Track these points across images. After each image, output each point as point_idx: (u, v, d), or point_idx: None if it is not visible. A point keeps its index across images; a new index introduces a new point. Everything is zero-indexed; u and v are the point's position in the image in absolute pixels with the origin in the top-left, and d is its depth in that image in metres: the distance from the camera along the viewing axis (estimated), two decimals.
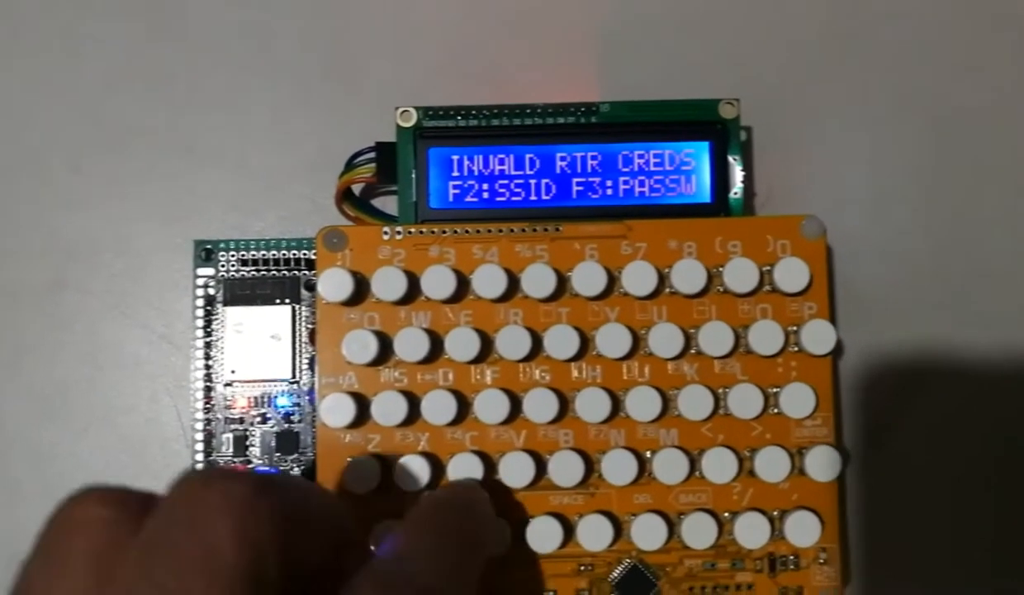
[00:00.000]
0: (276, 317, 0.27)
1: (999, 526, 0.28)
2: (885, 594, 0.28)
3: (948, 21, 0.30)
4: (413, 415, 0.24)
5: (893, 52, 0.30)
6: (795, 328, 0.25)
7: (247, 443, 0.27)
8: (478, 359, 0.25)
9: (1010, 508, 0.28)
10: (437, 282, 0.24)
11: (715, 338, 0.25)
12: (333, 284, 0.24)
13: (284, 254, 0.27)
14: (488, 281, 0.25)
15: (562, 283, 0.25)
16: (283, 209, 0.29)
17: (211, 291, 0.27)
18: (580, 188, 0.26)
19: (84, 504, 0.16)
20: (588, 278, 0.25)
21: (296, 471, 0.27)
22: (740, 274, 0.25)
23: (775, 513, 0.25)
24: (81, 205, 0.29)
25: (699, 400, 0.25)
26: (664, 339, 0.25)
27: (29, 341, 0.29)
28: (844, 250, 0.28)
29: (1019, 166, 0.29)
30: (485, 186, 0.27)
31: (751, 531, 0.24)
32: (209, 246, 0.28)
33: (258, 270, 0.27)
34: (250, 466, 0.27)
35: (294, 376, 0.27)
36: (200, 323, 0.27)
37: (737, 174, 0.27)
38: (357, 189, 0.28)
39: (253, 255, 0.27)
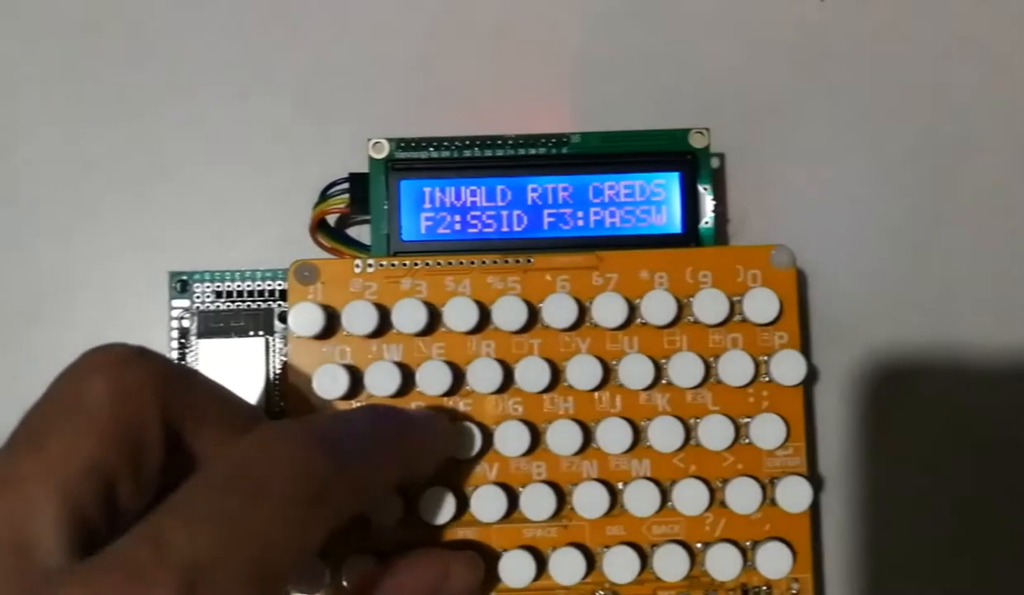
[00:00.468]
0: (249, 350, 0.27)
1: (976, 551, 0.28)
2: None
3: (918, 45, 0.30)
4: None
5: (864, 77, 0.30)
6: (766, 358, 0.25)
7: None
8: (449, 392, 0.25)
9: (989, 533, 0.28)
10: (408, 315, 0.24)
11: (686, 369, 0.25)
12: (303, 319, 0.24)
13: (259, 285, 0.27)
14: (460, 313, 0.25)
15: (533, 315, 0.25)
16: (258, 240, 0.29)
17: (185, 323, 0.27)
18: (551, 219, 0.27)
19: (95, 357, 0.18)
20: (559, 310, 0.25)
21: None
22: (710, 304, 0.25)
23: (747, 544, 0.25)
24: (56, 237, 0.29)
25: (670, 431, 0.24)
26: (635, 370, 0.25)
27: (3, 375, 0.29)
28: (818, 274, 0.29)
29: (993, 188, 0.29)
30: (457, 218, 0.27)
31: (723, 562, 0.24)
32: (184, 277, 0.28)
33: (233, 301, 0.27)
34: None
35: (267, 409, 0.27)
36: (175, 355, 0.27)
37: (708, 204, 0.27)
38: (332, 219, 0.28)
39: (228, 287, 0.27)
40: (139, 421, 0.17)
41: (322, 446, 0.18)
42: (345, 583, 0.24)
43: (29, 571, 0.15)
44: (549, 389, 0.25)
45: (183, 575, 0.15)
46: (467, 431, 0.24)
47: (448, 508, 0.24)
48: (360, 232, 0.29)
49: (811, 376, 0.27)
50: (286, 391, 0.25)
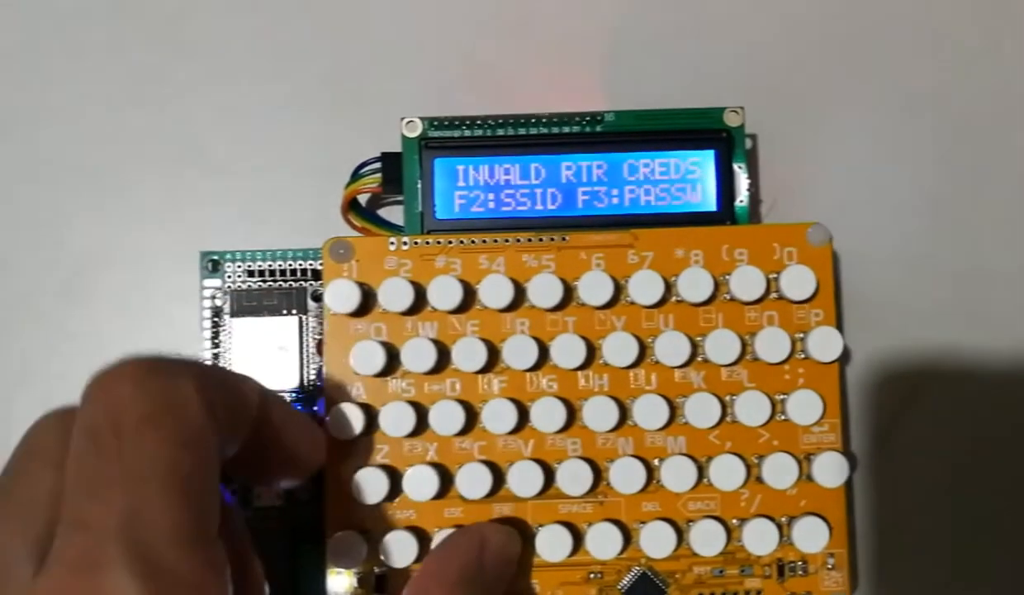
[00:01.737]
0: (283, 328, 0.27)
1: (1007, 529, 0.28)
2: None
3: (952, 24, 0.30)
4: (421, 425, 0.24)
5: (898, 57, 0.30)
6: (802, 335, 0.25)
7: None
8: (485, 369, 0.25)
9: (1018, 512, 0.28)
10: (444, 292, 0.25)
11: (722, 346, 0.25)
12: (340, 295, 0.24)
13: (291, 264, 0.28)
14: (495, 291, 0.25)
15: (568, 292, 0.25)
16: (289, 219, 0.29)
17: (218, 302, 0.27)
18: (586, 197, 0.27)
19: (50, 412, 0.19)
20: (595, 287, 0.25)
21: None
22: (746, 282, 0.25)
23: (783, 519, 0.25)
24: (89, 216, 0.29)
25: (706, 408, 0.25)
26: (671, 347, 0.25)
27: (37, 352, 0.29)
28: (850, 256, 0.29)
29: None
30: (491, 196, 0.27)
31: (759, 537, 0.24)
32: (216, 257, 0.28)
33: (264, 281, 0.27)
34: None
35: (302, 387, 0.27)
36: (207, 334, 0.27)
37: (743, 182, 0.27)
38: (363, 199, 0.28)
39: (260, 266, 0.28)
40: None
41: (154, 361, 0.18)
42: (383, 557, 0.24)
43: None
44: (584, 366, 0.25)
45: (122, 537, 0.15)
46: (503, 408, 0.24)
47: (485, 484, 0.24)
48: (391, 213, 0.29)
49: (843, 356, 0.27)
50: (323, 368, 0.25)
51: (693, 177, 0.27)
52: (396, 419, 0.24)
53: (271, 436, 0.20)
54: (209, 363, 0.23)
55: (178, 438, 0.17)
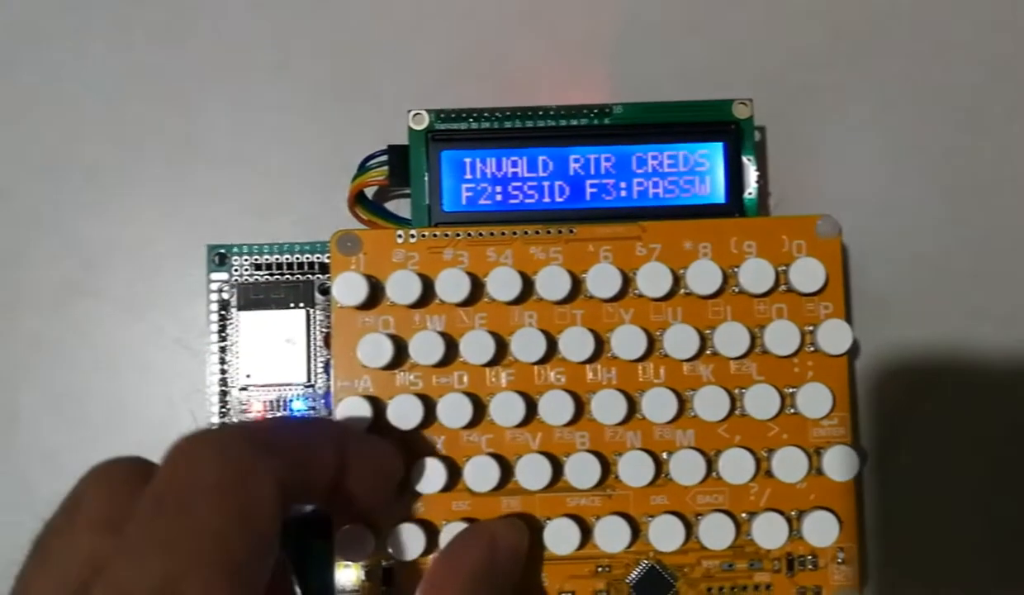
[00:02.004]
0: (290, 321, 0.27)
1: (1017, 525, 0.28)
2: (903, 594, 0.28)
3: (964, 19, 0.30)
4: (429, 418, 0.24)
5: (907, 51, 0.30)
6: (811, 328, 0.25)
7: None
8: (493, 362, 0.24)
9: None
10: (451, 285, 0.24)
11: (731, 339, 0.25)
12: (348, 288, 0.24)
13: (298, 258, 0.27)
14: (502, 283, 0.25)
15: (577, 285, 0.25)
16: (296, 213, 0.29)
17: (225, 295, 0.27)
18: (594, 190, 0.26)
19: (102, 464, 0.18)
20: (603, 280, 0.25)
21: None
22: (756, 274, 0.25)
23: (793, 513, 0.25)
24: (96, 210, 0.29)
25: (715, 401, 0.24)
26: (679, 340, 0.25)
27: (45, 346, 0.29)
28: (859, 249, 0.28)
29: None
30: (498, 189, 0.27)
31: (769, 531, 0.24)
32: (223, 250, 0.28)
33: (272, 274, 0.27)
34: None
35: (309, 380, 0.27)
36: (215, 328, 0.27)
37: (751, 174, 0.27)
38: (370, 192, 0.28)
39: (267, 259, 0.28)
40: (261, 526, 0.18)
41: (239, 433, 0.18)
42: (390, 550, 0.24)
43: None
44: (593, 359, 0.25)
45: None
46: (511, 401, 0.24)
47: (492, 477, 0.24)
48: (398, 206, 0.29)
49: (852, 349, 0.27)
50: (330, 361, 0.25)
51: (701, 169, 0.26)
52: (404, 412, 0.24)
53: (351, 486, 0.20)
54: (295, 426, 0.22)
55: (235, 513, 0.17)
